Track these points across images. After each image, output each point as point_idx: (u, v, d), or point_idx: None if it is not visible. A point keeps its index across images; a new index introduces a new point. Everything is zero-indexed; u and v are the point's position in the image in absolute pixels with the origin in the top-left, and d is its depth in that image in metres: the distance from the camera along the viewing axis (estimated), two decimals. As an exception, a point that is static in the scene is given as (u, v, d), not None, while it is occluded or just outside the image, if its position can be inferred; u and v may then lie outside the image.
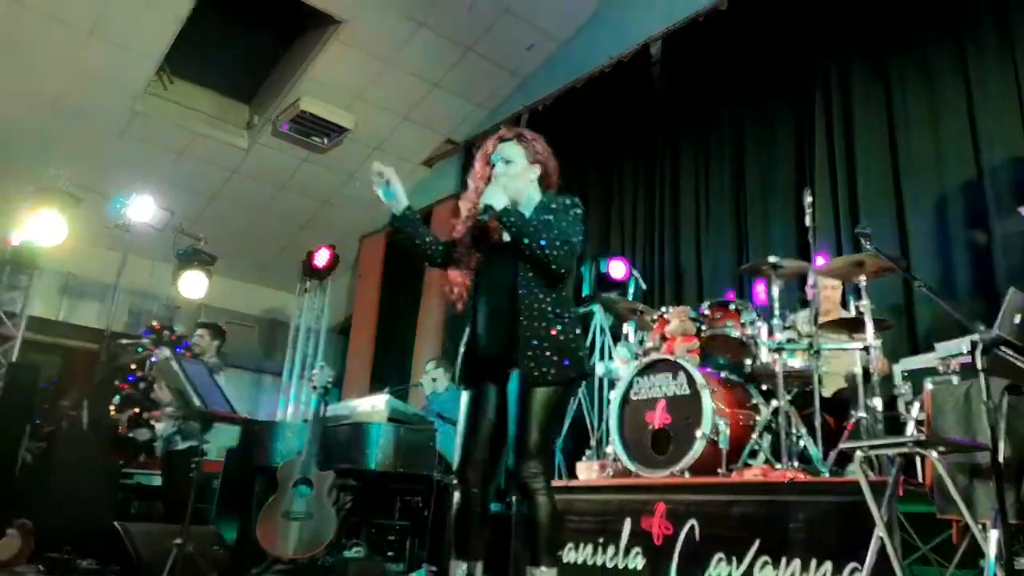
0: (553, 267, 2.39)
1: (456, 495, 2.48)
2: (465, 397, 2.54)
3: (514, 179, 2.54)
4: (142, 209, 5.87)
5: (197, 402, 3.66)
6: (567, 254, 2.40)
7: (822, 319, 3.61)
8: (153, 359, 6.54)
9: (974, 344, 2.31)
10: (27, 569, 4.27)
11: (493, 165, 2.57)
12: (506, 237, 2.45)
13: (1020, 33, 3.96)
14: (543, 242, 2.37)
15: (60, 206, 6.16)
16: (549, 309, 2.41)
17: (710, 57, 5.54)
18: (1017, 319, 3.13)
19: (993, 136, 3.97)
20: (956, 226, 4.07)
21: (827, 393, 3.84)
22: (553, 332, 2.39)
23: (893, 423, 3.33)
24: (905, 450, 2.43)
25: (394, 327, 8.04)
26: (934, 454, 2.37)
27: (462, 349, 2.55)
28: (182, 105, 7.17)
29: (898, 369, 3.56)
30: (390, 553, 5.01)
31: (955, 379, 3.00)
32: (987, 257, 3.89)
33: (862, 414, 3.27)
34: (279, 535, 3.92)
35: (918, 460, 2.98)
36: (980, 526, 2.33)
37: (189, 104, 7.22)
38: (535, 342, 2.37)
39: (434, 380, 5.73)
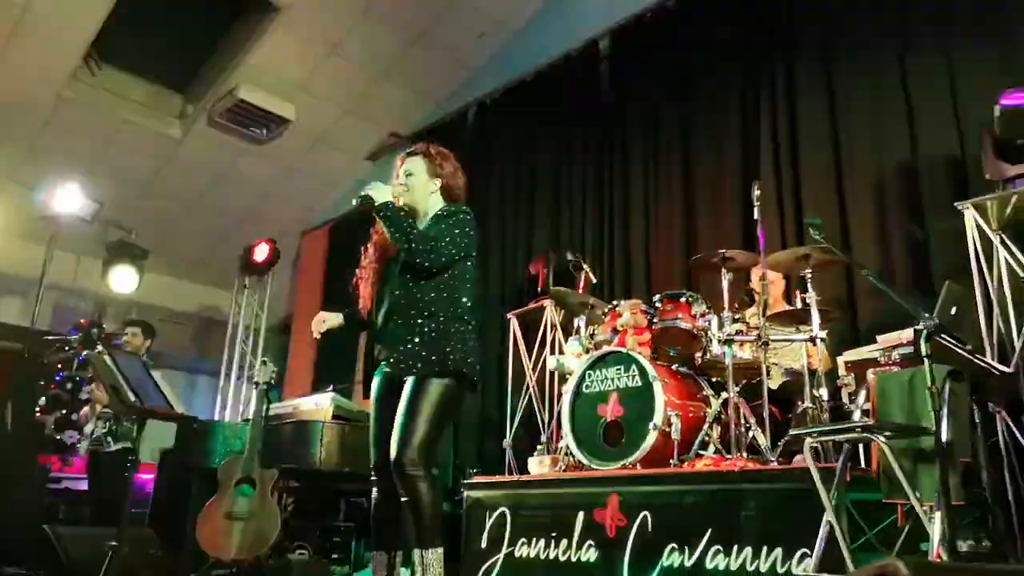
0: (417, 261, 2.56)
1: (375, 492, 2.62)
2: (373, 397, 2.71)
3: (414, 190, 2.76)
4: (68, 199, 5.54)
5: (133, 399, 3.49)
6: (430, 251, 2.56)
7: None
8: (80, 358, 6.24)
9: (918, 332, 2.38)
10: (-53, 581, 4.03)
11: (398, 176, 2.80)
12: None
13: (957, 39, 4.07)
14: (411, 237, 2.55)
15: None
16: (423, 307, 2.58)
17: (658, 53, 5.58)
18: (953, 311, 3.26)
19: (931, 134, 4.08)
20: (894, 222, 4.17)
21: (774, 385, 3.91)
22: (425, 328, 2.53)
23: (837, 413, 3.40)
24: (854, 436, 2.49)
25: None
26: (881, 439, 2.43)
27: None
28: (111, 92, 6.84)
29: (841, 360, 3.65)
30: (335, 555, 4.91)
31: (896, 369, 3.08)
32: (923, 252, 4.01)
33: (808, 404, 3.35)
34: (221, 536, 3.79)
35: (861, 449, 3.07)
36: (926, 509, 2.39)
37: (118, 91, 6.88)
38: (408, 337, 2.55)
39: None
